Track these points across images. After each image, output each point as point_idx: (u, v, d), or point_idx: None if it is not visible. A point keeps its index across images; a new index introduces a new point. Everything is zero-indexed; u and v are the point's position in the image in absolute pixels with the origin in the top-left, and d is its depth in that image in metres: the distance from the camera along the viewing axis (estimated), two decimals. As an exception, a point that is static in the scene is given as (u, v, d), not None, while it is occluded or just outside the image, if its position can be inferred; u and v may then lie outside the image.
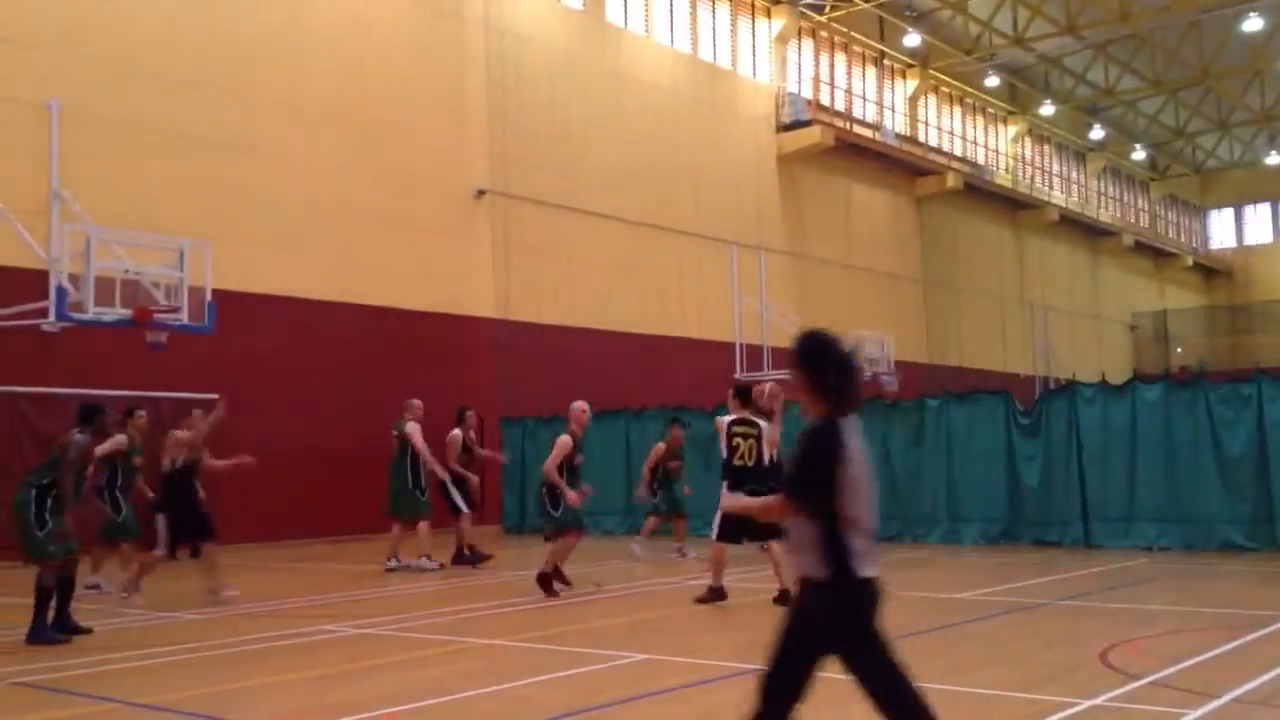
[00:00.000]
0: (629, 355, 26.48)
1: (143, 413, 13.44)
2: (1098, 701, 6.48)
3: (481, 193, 24.19)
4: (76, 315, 14.88)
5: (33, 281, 15.60)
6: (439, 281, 23.11)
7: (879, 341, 27.26)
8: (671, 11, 30.36)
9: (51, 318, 15.10)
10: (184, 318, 15.51)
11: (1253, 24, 37.55)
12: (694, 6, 31.09)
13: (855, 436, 4.13)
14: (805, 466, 4.08)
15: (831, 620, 4.09)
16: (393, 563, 14.73)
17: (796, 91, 34.08)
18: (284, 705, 6.97)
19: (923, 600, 11.43)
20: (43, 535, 9.32)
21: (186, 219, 17.87)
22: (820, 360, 4.19)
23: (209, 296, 15.65)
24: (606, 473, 20.94)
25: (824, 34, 36.27)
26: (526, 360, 24.07)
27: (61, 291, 14.81)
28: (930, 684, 7.04)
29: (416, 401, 15.31)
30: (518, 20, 25.62)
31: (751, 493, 10.05)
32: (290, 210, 20.58)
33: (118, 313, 15.07)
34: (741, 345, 26.49)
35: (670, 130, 29.35)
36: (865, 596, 4.08)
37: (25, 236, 15.95)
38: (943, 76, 41.30)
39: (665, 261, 28.60)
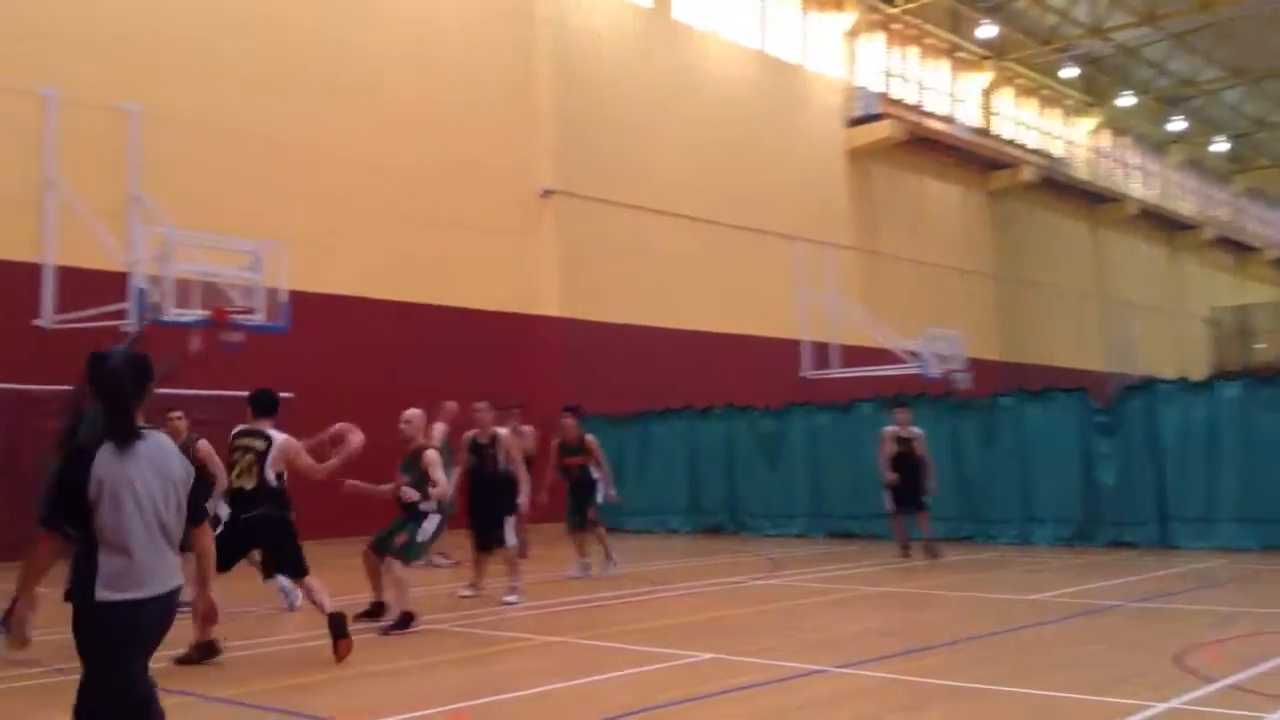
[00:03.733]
0: (694, 353, 26.44)
1: (179, 413, 10.92)
2: (1172, 705, 6.35)
3: (548, 192, 24.32)
4: (156, 316, 15.27)
5: (113, 283, 16.01)
6: (506, 281, 23.27)
7: (950, 338, 26.93)
8: (740, 7, 30.24)
9: (132, 319, 15.52)
10: (260, 318, 15.85)
11: (1340, 10, 36.47)
12: (763, 1, 30.95)
13: (116, 458, 4.02)
14: (54, 488, 4.07)
15: (80, 640, 4.03)
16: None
17: (867, 85, 33.78)
18: (352, 700, 7.08)
19: (994, 602, 11.29)
20: None
21: (259, 220, 18.20)
22: (90, 382, 4.18)
23: (284, 297, 15.96)
24: (670, 472, 20.97)
25: (895, 27, 35.90)
26: (592, 359, 24.14)
27: (141, 293, 15.20)
28: (1001, 687, 7.00)
29: (449, 403, 15.52)
30: (586, 19, 25.71)
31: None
32: (360, 211, 20.86)
33: (195, 314, 15.44)
34: (808, 343, 26.36)
35: (738, 127, 29.26)
36: (109, 620, 3.98)
37: (106, 239, 16.40)
38: (1018, 68, 40.66)
39: (732, 258, 28.50)
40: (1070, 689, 6.93)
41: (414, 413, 10.15)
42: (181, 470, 4.21)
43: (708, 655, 8.18)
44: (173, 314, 15.20)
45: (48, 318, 16.67)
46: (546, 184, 24.33)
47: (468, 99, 22.94)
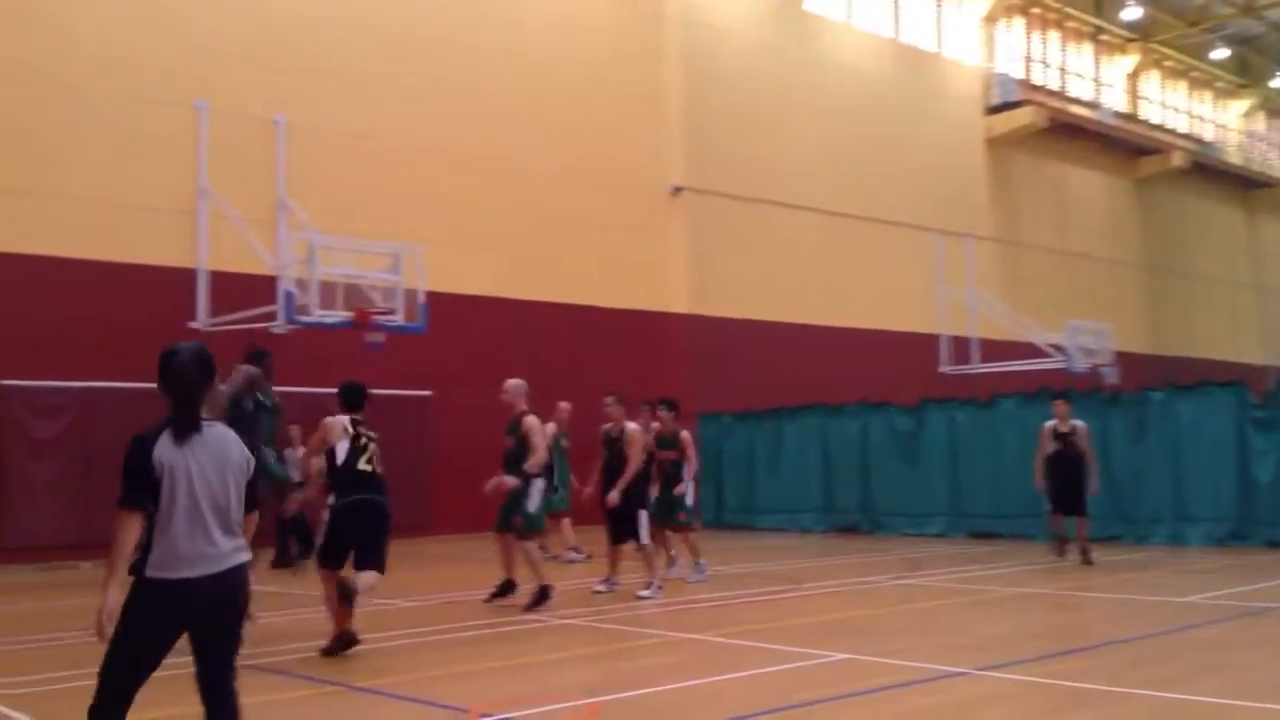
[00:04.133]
0: (826, 349, 26.12)
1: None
2: (1337, 717, 6.02)
3: (678, 189, 24.33)
4: (302, 318, 15.81)
5: (263, 286, 16.63)
6: (636, 279, 23.37)
7: (1097, 331, 26.04)
8: (872, -4, 29.77)
9: (280, 320, 16.11)
10: (400, 319, 16.27)
11: None
12: (896, -10, 30.42)
13: (175, 447, 4.31)
14: (125, 473, 4.32)
15: (126, 610, 4.28)
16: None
17: (1006, 72, 32.91)
18: (492, 691, 7.19)
19: (1145, 604, 10.88)
20: None
21: (397, 223, 18.67)
22: (160, 376, 4.44)
23: (422, 298, 16.35)
24: (802, 470, 20.76)
25: (1035, 11, 34.88)
26: (722, 355, 24.08)
27: (289, 295, 15.76)
28: (1153, 692, 6.74)
29: (563, 404, 15.68)
30: (715, 14, 25.65)
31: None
32: (493, 212, 21.21)
33: (339, 315, 15.94)
34: (947, 337, 25.80)
35: (872, 117, 28.81)
36: (152, 595, 4.27)
37: (256, 244, 17.05)
38: (1166, 50, 39.10)
39: (866, 252, 28.08)
40: (1226, 695, 6.63)
41: (512, 382, 10.73)
42: (240, 457, 4.48)
43: (842, 655, 8.07)
44: (318, 315, 15.71)
45: (202, 320, 17.42)
46: (677, 181, 24.36)
47: (599, 98, 23.11)
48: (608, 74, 23.39)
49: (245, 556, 4.47)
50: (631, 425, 11.90)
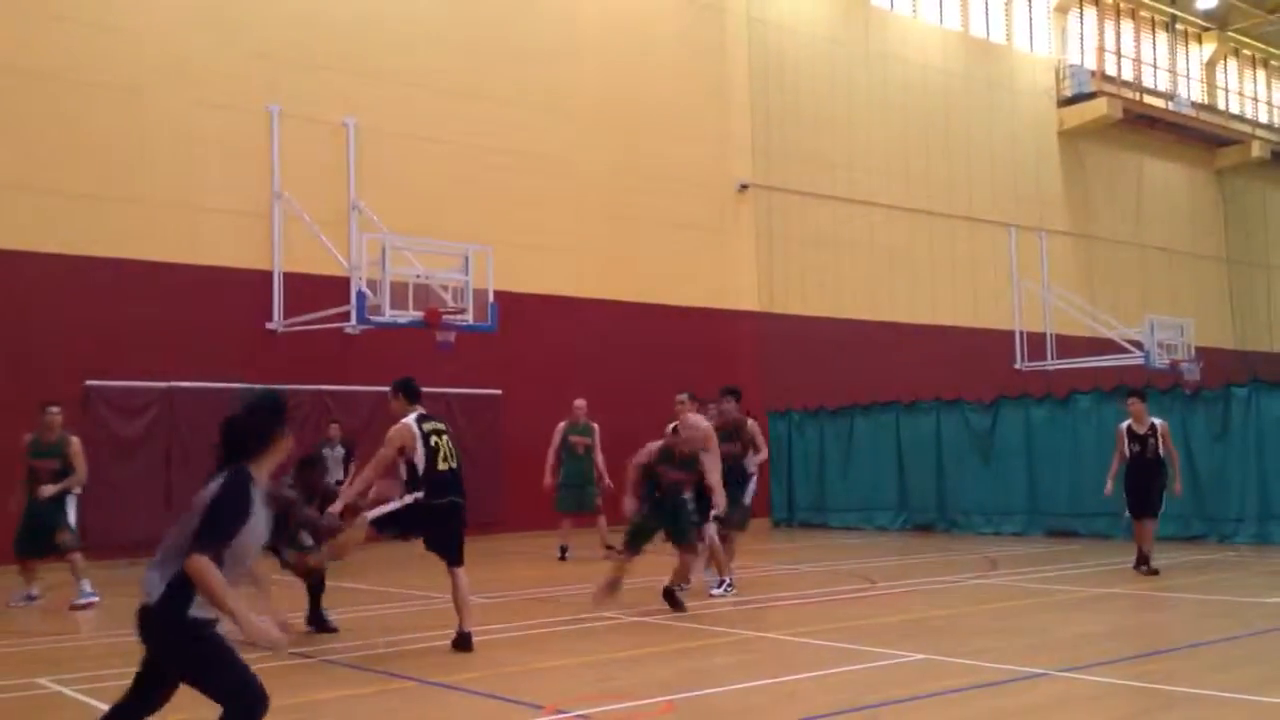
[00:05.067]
0: (898, 346, 25.84)
1: (55, 409, 11.81)
2: None
3: (744, 186, 24.22)
4: (375, 318, 16.00)
5: (336, 287, 16.85)
6: (703, 277, 23.29)
7: (1177, 326, 25.50)
8: (941, -11, 29.41)
9: (353, 321, 16.33)
10: (469, 318, 16.40)
11: None
12: (965, -18, 30.01)
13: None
14: None
15: None
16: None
17: (1079, 63, 32.32)
18: (567, 688, 7.21)
19: (1230, 605, 10.60)
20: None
21: (466, 224, 18.82)
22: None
23: (491, 298, 16.46)
24: (876, 468, 20.56)
25: (1108, 0, 34.21)
26: (791, 353, 23.92)
27: (361, 296, 15.95)
28: (1241, 695, 6.57)
29: (579, 402, 15.77)
30: (780, 10, 25.50)
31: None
32: (560, 211, 21.26)
33: (411, 315, 16.11)
34: (1022, 333, 25.40)
35: (941, 112, 28.46)
36: None
37: (328, 246, 17.29)
38: (1243, 39, 38.15)
39: (937, 248, 27.73)
40: (1320, 700, 6.43)
41: (701, 422, 11.19)
42: (199, 501, 4.35)
43: (918, 655, 7.96)
44: (389, 315, 15.88)
45: (278, 321, 17.70)
46: (743, 178, 24.25)
47: (664, 96, 23.07)
48: (673, 72, 23.34)
49: (144, 599, 4.31)
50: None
